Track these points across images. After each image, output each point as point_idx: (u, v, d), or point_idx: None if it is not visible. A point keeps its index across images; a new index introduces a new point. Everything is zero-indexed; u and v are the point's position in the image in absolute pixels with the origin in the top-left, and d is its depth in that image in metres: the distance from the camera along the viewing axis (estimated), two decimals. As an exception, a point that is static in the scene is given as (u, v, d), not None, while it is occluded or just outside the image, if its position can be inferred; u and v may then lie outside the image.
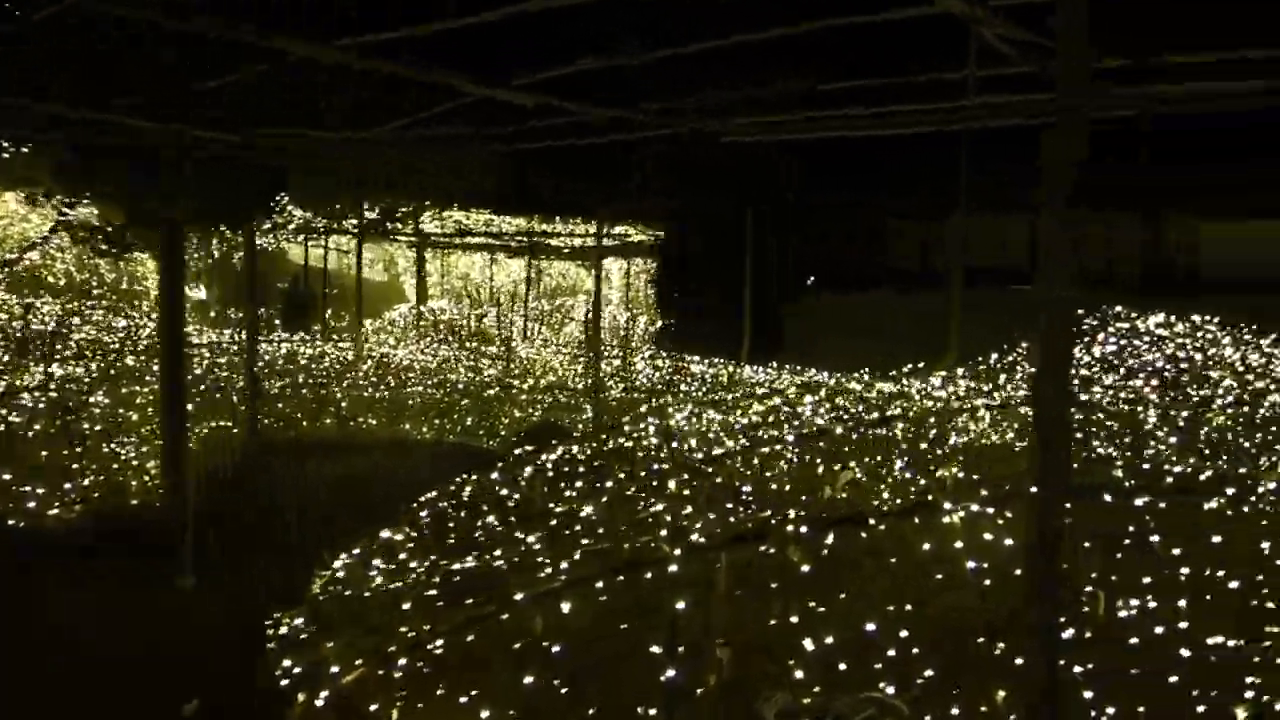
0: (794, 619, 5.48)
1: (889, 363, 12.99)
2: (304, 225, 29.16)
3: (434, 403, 15.55)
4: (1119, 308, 11.02)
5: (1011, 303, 15.56)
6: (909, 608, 5.39)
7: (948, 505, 5.71)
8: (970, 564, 5.59)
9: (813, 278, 24.98)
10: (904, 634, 5.29)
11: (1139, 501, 6.06)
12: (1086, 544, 6.94)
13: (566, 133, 16.71)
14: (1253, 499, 6.52)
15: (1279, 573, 6.64)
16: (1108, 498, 6.08)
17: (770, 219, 22.49)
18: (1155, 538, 5.93)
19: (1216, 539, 6.58)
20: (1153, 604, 6.09)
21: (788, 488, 6.68)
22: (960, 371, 11.11)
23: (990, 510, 5.95)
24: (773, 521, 5.70)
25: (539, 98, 14.90)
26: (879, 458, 6.95)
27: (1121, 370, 10.09)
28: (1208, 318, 11.20)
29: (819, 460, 7.13)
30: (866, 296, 23.22)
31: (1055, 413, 4.14)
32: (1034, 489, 4.14)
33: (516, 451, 6.94)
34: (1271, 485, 6.72)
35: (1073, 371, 10.93)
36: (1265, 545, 6.33)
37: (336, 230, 30.60)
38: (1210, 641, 5.63)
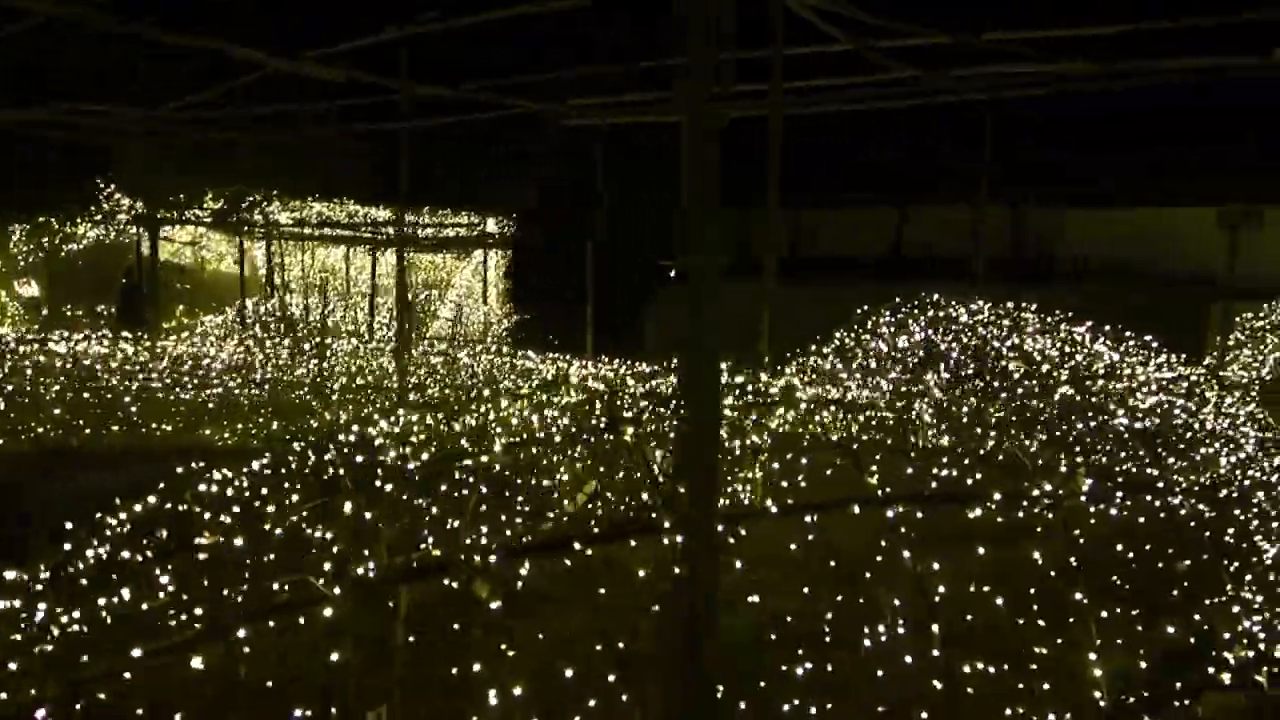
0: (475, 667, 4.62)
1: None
2: (139, 215, 27.31)
3: (237, 405, 14.30)
4: (935, 296, 10.44)
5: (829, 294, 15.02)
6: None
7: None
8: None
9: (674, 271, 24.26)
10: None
11: (890, 514, 5.37)
12: (833, 562, 6.30)
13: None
14: (1022, 505, 5.92)
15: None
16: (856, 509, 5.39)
17: (619, 211, 21.73)
18: (906, 553, 5.24)
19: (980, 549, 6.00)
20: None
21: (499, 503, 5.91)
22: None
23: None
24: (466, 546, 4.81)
25: (346, 72, 13.80)
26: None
27: (914, 362, 9.54)
28: (1033, 306, 10.72)
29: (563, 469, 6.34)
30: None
31: (701, 443, 3.39)
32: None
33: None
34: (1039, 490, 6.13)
35: (869, 363, 10.43)
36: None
37: (175, 220, 28.82)
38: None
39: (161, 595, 4.83)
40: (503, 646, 4.73)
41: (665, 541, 4.93)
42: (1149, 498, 6.62)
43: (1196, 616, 6.19)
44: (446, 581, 4.76)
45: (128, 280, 28.82)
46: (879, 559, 5.89)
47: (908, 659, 5.18)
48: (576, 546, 4.86)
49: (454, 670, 4.86)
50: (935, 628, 5.01)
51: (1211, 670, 5.58)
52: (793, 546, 6.03)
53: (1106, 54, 9.57)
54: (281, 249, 34.91)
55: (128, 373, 15.09)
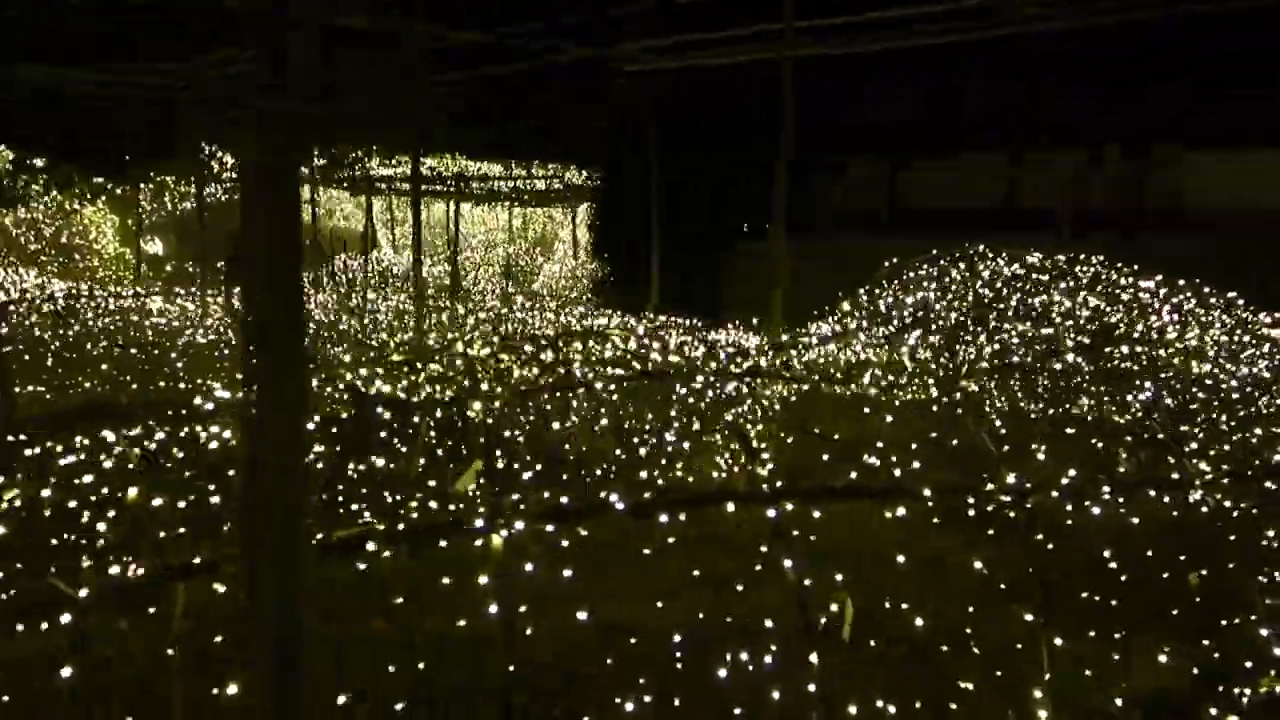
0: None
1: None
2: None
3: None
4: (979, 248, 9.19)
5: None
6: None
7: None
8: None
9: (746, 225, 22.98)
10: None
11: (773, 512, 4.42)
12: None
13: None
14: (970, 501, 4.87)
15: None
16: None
17: (696, 163, 20.72)
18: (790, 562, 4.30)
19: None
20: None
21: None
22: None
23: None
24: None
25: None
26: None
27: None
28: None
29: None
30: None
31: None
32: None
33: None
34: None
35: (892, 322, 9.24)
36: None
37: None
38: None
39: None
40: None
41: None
42: (1154, 492, 5.41)
43: (1206, 642, 5.03)
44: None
45: (237, 240, 29.57)
46: (758, 567, 4.95)
47: (775, 693, 4.27)
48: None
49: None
50: (814, 655, 4.08)
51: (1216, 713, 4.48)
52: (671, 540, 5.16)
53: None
54: (392, 205, 35.25)
55: (175, 330, 15.20)
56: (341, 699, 4.05)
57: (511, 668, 4.10)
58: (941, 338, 7.87)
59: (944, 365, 7.37)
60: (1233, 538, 5.46)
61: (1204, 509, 5.46)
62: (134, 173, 26.85)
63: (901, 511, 4.71)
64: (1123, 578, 5.42)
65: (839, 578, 4.53)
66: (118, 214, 31.73)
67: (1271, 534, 5.56)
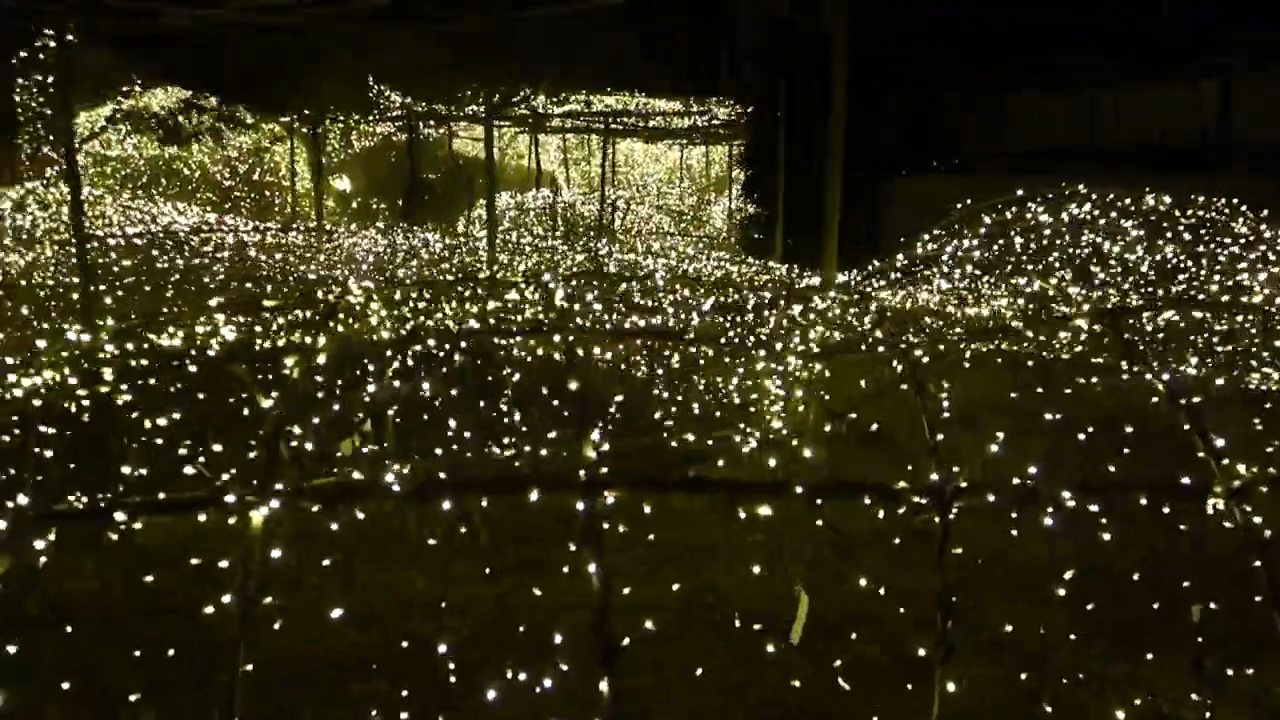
0: None
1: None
2: (418, 111, 28.33)
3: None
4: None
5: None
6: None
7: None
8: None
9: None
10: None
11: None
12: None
13: None
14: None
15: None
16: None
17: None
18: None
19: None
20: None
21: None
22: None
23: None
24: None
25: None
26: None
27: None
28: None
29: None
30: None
31: None
32: None
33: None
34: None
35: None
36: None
37: (451, 116, 29.60)
38: None
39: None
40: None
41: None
42: (1145, 500, 4.17)
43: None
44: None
45: (412, 177, 30.26)
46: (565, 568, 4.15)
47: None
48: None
49: None
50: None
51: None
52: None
53: None
54: (565, 143, 35.18)
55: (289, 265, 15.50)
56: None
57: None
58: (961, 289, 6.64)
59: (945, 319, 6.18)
60: (1258, 564, 4.17)
61: (1226, 524, 4.19)
62: (298, 106, 27.58)
63: (766, 510, 3.82)
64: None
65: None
66: (309, 152, 33.23)
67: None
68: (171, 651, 4.16)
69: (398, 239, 17.78)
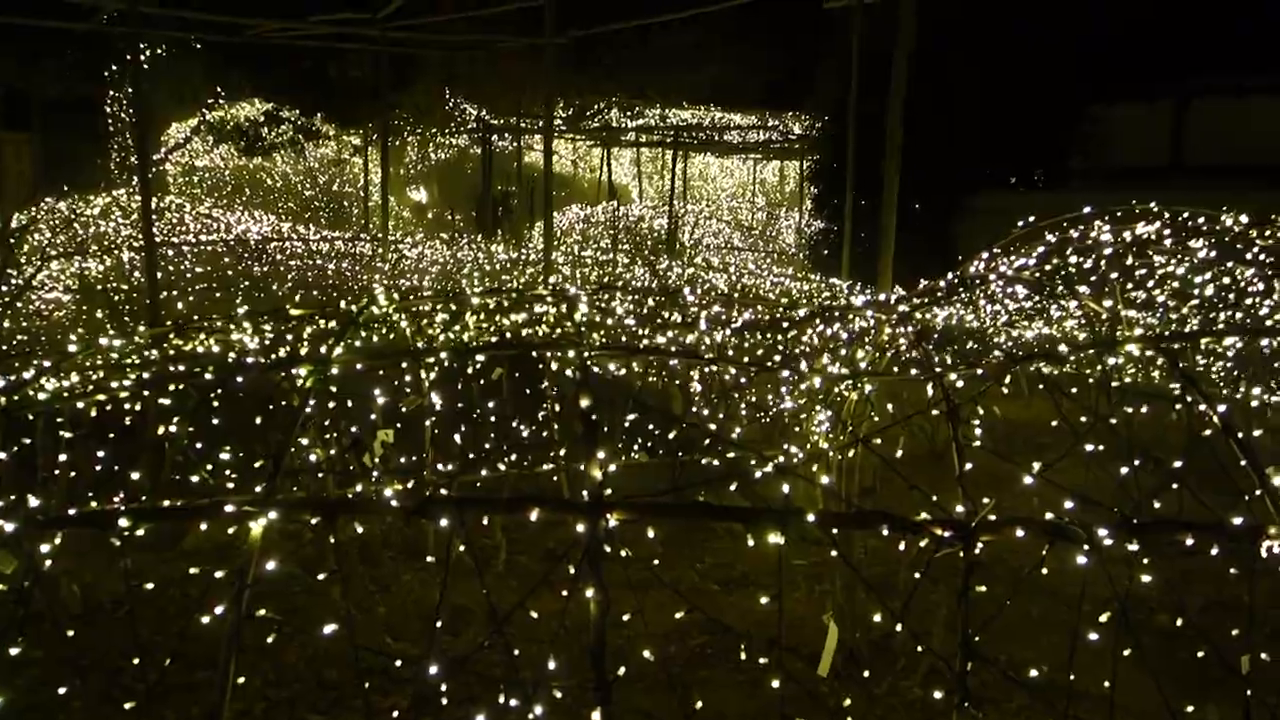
0: None
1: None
2: (490, 125, 28.69)
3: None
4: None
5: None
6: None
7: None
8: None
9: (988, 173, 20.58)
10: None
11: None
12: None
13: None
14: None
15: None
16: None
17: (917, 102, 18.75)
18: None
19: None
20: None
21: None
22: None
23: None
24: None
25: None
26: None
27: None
28: None
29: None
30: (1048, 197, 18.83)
31: None
32: None
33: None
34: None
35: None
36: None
37: (528, 130, 29.89)
38: None
39: None
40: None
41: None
42: (1191, 540, 3.88)
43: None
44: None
45: (487, 190, 30.59)
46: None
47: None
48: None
49: None
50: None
51: None
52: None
53: None
54: (639, 156, 35.25)
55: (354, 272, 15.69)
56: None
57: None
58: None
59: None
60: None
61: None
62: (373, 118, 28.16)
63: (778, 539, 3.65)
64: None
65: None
66: (390, 164, 33.83)
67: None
68: (168, 660, 4.15)
69: (461, 250, 17.90)
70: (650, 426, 7.04)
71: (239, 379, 3.79)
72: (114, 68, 21.88)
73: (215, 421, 4.96)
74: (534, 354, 5.98)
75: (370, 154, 32.11)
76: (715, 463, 6.45)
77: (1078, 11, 18.17)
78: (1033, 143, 19.86)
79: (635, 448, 7.38)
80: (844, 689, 4.85)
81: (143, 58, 21.22)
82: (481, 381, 6.37)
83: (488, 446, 6.85)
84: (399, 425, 5.17)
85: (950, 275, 7.26)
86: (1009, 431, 7.76)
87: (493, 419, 6.28)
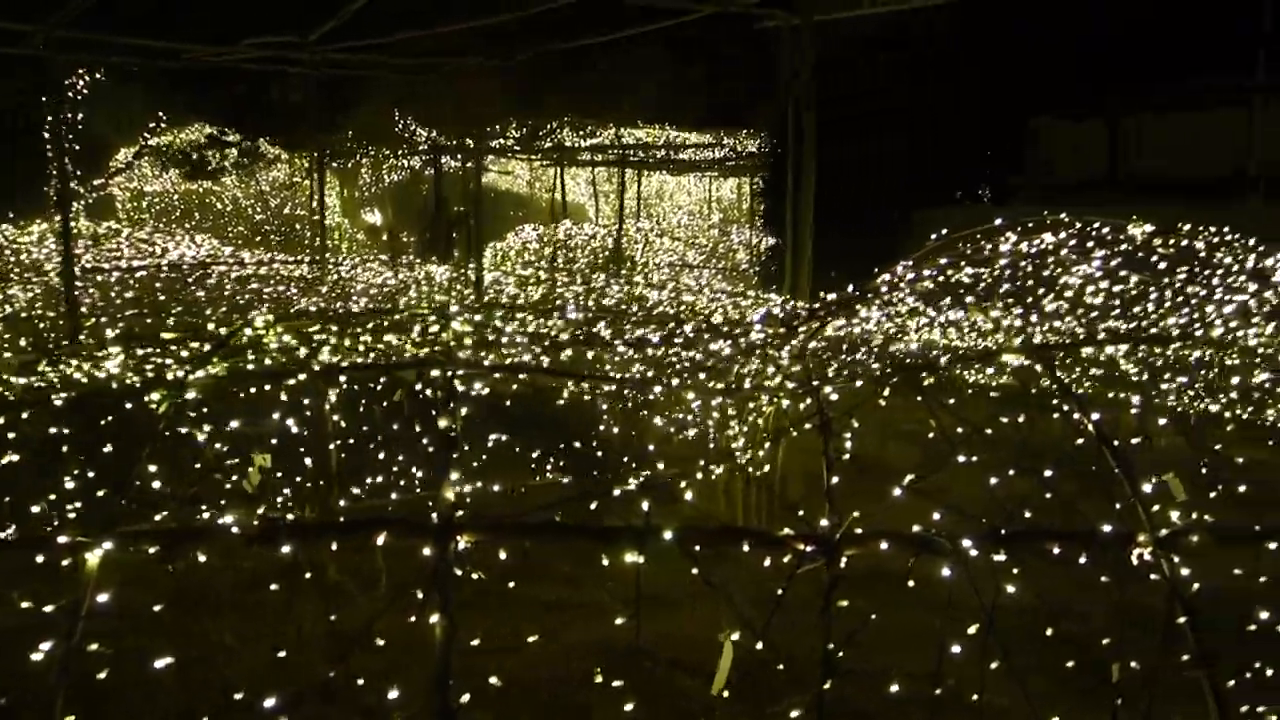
0: None
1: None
2: (439, 146, 28.60)
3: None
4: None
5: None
6: None
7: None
8: None
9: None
10: None
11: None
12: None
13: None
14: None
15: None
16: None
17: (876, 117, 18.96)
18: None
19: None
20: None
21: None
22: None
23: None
24: None
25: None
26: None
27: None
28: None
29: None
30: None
31: None
32: None
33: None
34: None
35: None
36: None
37: (487, 151, 29.78)
38: None
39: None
40: None
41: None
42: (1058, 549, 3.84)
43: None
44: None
45: (438, 211, 30.43)
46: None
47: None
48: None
49: None
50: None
51: None
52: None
53: None
54: (594, 176, 35.25)
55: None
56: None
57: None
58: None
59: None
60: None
61: (1152, 576, 3.85)
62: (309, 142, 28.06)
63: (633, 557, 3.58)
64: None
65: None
66: (344, 186, 33.64)
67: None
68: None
69: (401, 272, 17.78)
70: (562, 446, 6.98)
71: (87, 405, 3.68)
72: (51, 94, 21.61)
73: (64, 449, 4.83)
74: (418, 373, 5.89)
75: (319, 177, 31.97)
76: (632, 482, 6.39)
77: (1030, 28, 18.40)
78: (981, 159, 20.10)
79: (548, 468, 7.31)
80: (735, 707, 4.79)
81: (81, 84, 21.06)
82: (384, 404, 6.29)
83: (395, 469, 6.76)
84: (273, 448, 5.06)
85: (850, 287, 7.26)
86: (876, 446, 7.72)
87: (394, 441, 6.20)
